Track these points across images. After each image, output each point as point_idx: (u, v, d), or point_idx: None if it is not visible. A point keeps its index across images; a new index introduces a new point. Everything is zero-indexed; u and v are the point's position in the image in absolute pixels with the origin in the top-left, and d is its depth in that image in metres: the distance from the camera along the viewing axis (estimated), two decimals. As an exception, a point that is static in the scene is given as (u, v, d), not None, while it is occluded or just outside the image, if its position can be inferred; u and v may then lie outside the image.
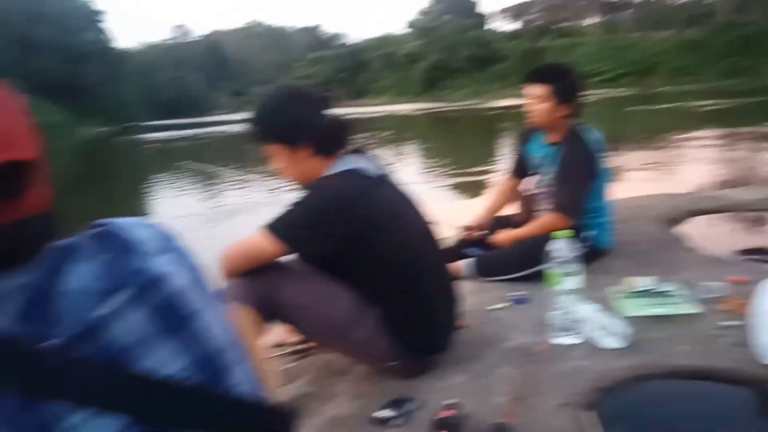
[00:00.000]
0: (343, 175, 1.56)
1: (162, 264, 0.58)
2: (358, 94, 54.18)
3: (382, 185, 1.61)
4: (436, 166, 9.85)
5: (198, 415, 0.55)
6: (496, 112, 22.84)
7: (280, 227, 1.52)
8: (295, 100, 1.59)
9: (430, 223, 1.71)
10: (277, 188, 7.98)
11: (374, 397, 1.60)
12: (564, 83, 2.42)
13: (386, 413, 1.47)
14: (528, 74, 2.47)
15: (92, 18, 47.02)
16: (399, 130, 18.32)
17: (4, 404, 0.47)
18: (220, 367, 0.59)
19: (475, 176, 8.34)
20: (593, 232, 2.45)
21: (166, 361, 0.54)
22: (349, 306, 1.58)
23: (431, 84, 48.66)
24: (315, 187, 1.55)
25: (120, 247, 0.57)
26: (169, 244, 0.62)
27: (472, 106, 28.63)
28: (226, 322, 0.63)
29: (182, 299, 0.58)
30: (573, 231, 1.78)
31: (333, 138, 1.61)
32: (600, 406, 1.45)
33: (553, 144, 2.50)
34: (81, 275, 0.54)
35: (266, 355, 1.60)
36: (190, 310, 0.58)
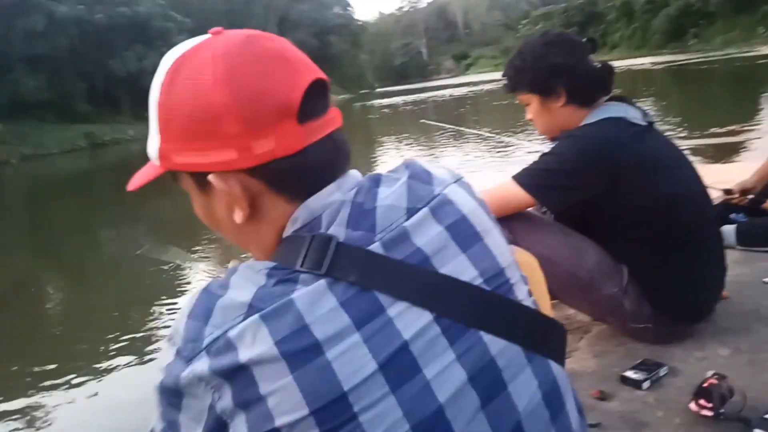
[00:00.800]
0: (602, 123, 1.49)
1: (453, 191, 0.66)
2: (587, 50, 50.09)
3: (650, 134, 1.50)
4: (680, 126, 8.73)
5: (491, 316, 0.61)
6: (763, 62, 19.15)
7: (527, 178, 1.52)
8: (547, 47, 1.55)
9: (703, 180, 1.55)
10: (503, 147, 7.94)
11: (618, 358, 1.55)
12: None
13: (635, 374, 1.41)
14: None
15: (340, -7, 51.57)
16: (634, 87, 16.58)
17: (345, 290, 0.57)
18: (506, 282, 0.64)
19: (731, 136, 7.19)
20: None
21: (461, 269, 0.61)
22: (597, 261, 1.53)
23: (676, 33, 42.60)
24: (569, 136, 1.51)
25: (421, 176, 0.67)
26: (457, 178, 0.70)
27: (729, 57, 24.42)
28: (507, 246, 0.68)
29: (471, 220, 0.65)
30: None
31: (589, 86, 1.54)
32: None
33: None
34: (390, 195, 0.63)
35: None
36: (478, 229, 0.65)
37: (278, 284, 0.57)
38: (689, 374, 1.40)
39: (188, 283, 5.35)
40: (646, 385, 1.39)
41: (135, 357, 3.86)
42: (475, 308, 0.61)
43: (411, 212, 0.62)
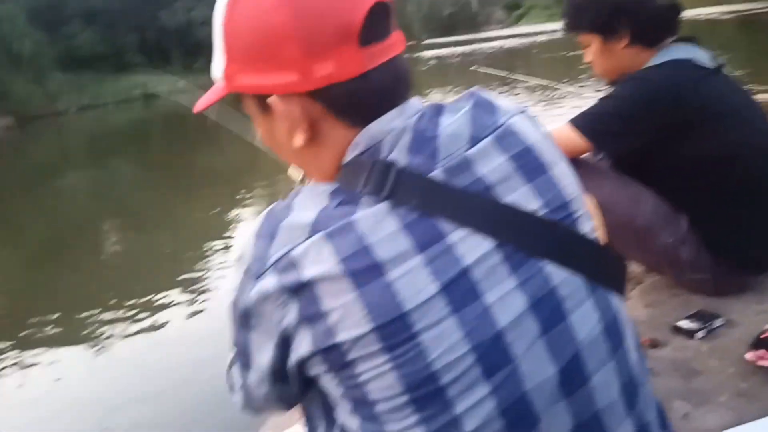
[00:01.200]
0: (667, 65, 1.42)
1: (518, 122, 0.65)
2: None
3: (718, 79, 1.42)
4: (750, 79, 8.19)
5: (555, 246, 0.61)
6: None
7: (585, 122, 1.47)
8: None
9: None
10: (556, 98, 7.70)
11: (672, 308, 1.52)
12: None
13: (689, 324, 1.39)
14: None
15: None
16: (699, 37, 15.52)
17: (406, 214, 0.58)
18: (572, 214, 0.63)
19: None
20: None
21: (525, 200, 0.61)
22: (654, 209, 1.48)
23: (751, -22, 39.55)
24: (630, 79, 1.45)
25: (485, 106, 0.66)
26: (522, 109, 0.68)
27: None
28: (574, 179, 0.67)
29: (537, 151, 0.64)
30: None
31: (654, 26, 1.46)
32: None
33: None
34: (452, 123, 0.62)
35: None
36: (544, 160, 0.64)
37: (340, 206, 0.58)
38: (747, 326, 1.36)
39: (236, 230, 5.52)
40: (700, 334, 1.37)
41: (186, 300, 4.05)
42: (538, 238, 0.60)
43: (474, 141, 0.61)
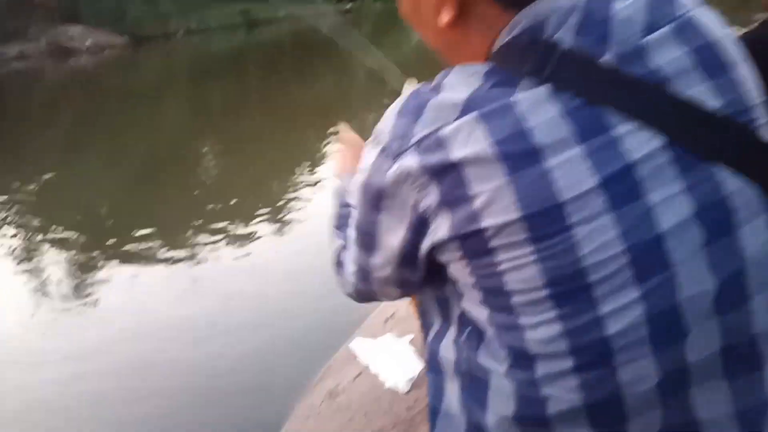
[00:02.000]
0: None
1: (703, 14, 0.59)
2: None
3: None
4: None
5: (734, 150, 0.55)
6: None
7: None
8: None
9: None
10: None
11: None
12: None
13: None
14: None
15: None
16: None
17: (569, 100, 0.53)
18: (755, 120, 0.57)
19: None
20: None
21: (705, 98, 0.55)
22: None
23: None
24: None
25: None
26: (704, 4, 0.61)
27: None
28: (756, 84, 0.60)
29: (720, 47, 0.57)
30: None
31: None
32: None
33: None
34: (627, 7, 0.56)
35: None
36: (727, 59, 0.57)
37: (496, 87, 0.55)
38: None
39: (323, 161, 5.62)
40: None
41: (271, 225, 4.24)
42: (714, 140, 0.54)
43: (651, 29, 0.55)
